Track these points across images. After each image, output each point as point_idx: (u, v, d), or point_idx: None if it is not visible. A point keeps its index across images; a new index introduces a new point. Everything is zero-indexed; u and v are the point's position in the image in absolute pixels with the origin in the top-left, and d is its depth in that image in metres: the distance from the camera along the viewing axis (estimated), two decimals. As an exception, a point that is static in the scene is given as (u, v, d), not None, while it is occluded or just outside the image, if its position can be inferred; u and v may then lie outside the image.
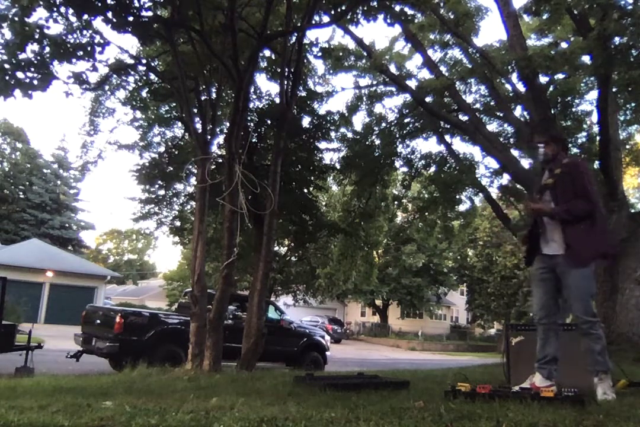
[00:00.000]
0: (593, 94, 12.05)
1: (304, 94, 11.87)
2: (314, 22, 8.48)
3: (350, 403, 2.92)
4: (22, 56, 6.12)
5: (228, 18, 7.13)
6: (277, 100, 9.50)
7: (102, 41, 6.63)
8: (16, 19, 5.79)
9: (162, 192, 13.99)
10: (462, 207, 15.79)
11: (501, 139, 13.15)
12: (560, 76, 11.01)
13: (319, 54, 11.35)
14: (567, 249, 3.38)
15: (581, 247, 3.34)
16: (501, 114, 12.88)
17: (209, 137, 7.92)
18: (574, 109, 12.74)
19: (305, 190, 12.56)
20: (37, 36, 6.05)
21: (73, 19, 6.26)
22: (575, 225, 3.38)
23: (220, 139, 11.18)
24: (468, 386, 3.16)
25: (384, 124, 14.31)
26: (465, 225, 16.83)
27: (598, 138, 10.46)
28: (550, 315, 3.51)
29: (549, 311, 3.51)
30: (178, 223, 14.80)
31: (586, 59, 9.51)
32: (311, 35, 18.82)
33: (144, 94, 10.96)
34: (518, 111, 12.87)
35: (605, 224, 3.53)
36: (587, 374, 3.59)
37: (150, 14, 6.95)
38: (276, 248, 18.90)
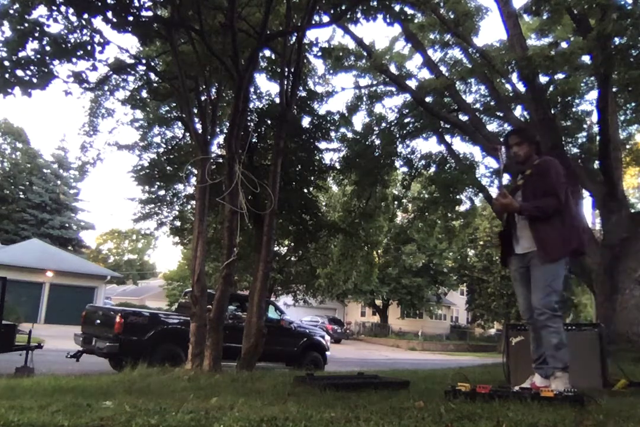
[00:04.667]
0: (593, 94, 12.08)
1: (304, 94, 11.87)
2: (314, 22, 8.47)
3: (350, 403, 2.92)
4: (22, 54, 6.13)
5: (228, 18, 7.13)
6: (277, 100, 9.50)
7: (102, 40, 6.64)
8: (16, 14, 5.79)
9: (162, 192, 13.99)
10: (462, 207, 15.82)
11: (501, 139, 13.14)
12: (560, 76, 11.01)
13: (319, 54, 11.33)
14: (537, 245, 3.36)
15: (550, 243, 3.33)
16: (501, 114, 12.89)
17: (209, 137, 7.92)
18: (574, 109, 12.76)
19: (305, 190, 12.56)
20: (36, 34, 6.05)
21: (73, 18, 6.27)
22: (543, 222, 3.37)
23: (220, 139, 11.20)
24: (468, 386, 3.15)
25: (384, 124, 14.32)
26: (466, 225, 16.83)
27: (598, 138, 10.47)
28: None
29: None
30: (178, 223, 14.80)
31: (586, 59, 9.51)
32: (311, 35, 18.86)
33: (144, 94, 10.96)
34: (518, 111, 12.90)
35: (575, 221, 3.48)
36: (588, 374, 3.59)
37: (150, 13, 6.96)
38: (276, 248, 18.89)
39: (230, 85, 8.88)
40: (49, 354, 9.51)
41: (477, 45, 11.57)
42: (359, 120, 41.43)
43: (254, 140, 10.80)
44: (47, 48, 6.23)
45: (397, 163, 15.10)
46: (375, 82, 14.58)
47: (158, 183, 13.23)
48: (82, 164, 13.22)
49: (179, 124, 12.04)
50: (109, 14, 6.03)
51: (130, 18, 6.33)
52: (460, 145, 45.75)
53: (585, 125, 13.40)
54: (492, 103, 13.23)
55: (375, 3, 7.05)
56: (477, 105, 13.68)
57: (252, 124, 10.99)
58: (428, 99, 12.41)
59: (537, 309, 3.32)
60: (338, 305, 41.05)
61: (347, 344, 31.81)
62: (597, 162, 11.26)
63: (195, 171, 9.04)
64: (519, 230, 3.52)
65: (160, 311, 15.40)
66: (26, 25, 5.97)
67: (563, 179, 3.48)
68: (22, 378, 5.86)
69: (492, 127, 14.16)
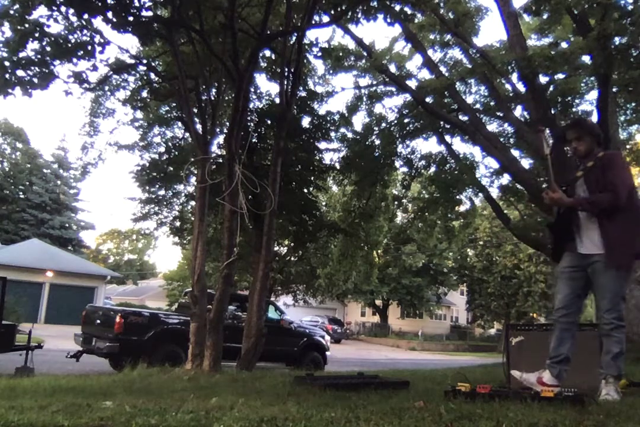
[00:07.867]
0: (593, 94, 12.05)
1: (304, 94, 11.87)
2: (314, 22, 8.48)
3: (350, 403, 2.91)
4: (22, 54, 6.15)
5: (228, 18, 7.13)
6: (277, 100, 9.50)
7: (102, 41, 6.66)
8: (16, 14, 5.80)
9: (162, 192, 14.01)
10: (462, 207, 15.81)
11: (501, 139, 13.15)
12: (560, 76, 11.01)
13: (319, 54, 11.35)
14: (606, 250, 3.23)
15: (621, 248, 3.21)
16: (501, 114, 12.88)
17: (209, 137, 7.92)
18: (574, 109, 12.74)
19: (305, 190, 12.56)
20: (37, 34, 6.06)
21: (73, 18, 6.27)
22: (610, 223, 3.23)
23: (220, 139, 11.19)
24: (468, 386, 3.15)
25: (384, 124, 14.31)
26: (465, 225, 16.83)
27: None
28: (571, 314, 3.41)
29: (571, 310, 3.41)
30: (178, 223, 14.81)
31: (586, 59, 9.51)
32: (311, 35, 18.79)
33: (144, 94, 10.97)
34: (518, 111, 12.88)
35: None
36: (589, 374, 3.58)
37: (150, 13, 6.96)
38: (276, 248, 18.89)
39: (230, 85, 8.88)
40: (49, 354, 9.52)
41: (477, 46, 11.56)
42: (359, 120, 41.39)
43: (254, 140, 10.80)
44: (48, 48, 6.25)
45: (397, 163, 15.10)
46: (375, 82, 14.56)
47: (158, 183, 13.23)
48: (84, 164, 13.24)
49: (179, 124, 12.04)
50: (109, 14, 6.03)
51: (130, 18, 6.34)
52: (460, 146, 45.63)
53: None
54: (492, 103, 13.22)
55: (375, 3, 7.05)
56: (477, 106, 13.67)
57: (252, 124, 10.99)
58: (428, 99, 12.39)
59: (603, 318, 3.25)
60: (338, 305, 41.06)
61: (347, 344, 31.80)
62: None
63: (195, 171, 9.04)
64: (584, 229, 3.37)
65: (160, 311, 15.39)
66: (26, 25, 5.98)
67: (628, 175, 3.35)
68: (22, 378, 5.86)
69: (492, 127, 14.16)
